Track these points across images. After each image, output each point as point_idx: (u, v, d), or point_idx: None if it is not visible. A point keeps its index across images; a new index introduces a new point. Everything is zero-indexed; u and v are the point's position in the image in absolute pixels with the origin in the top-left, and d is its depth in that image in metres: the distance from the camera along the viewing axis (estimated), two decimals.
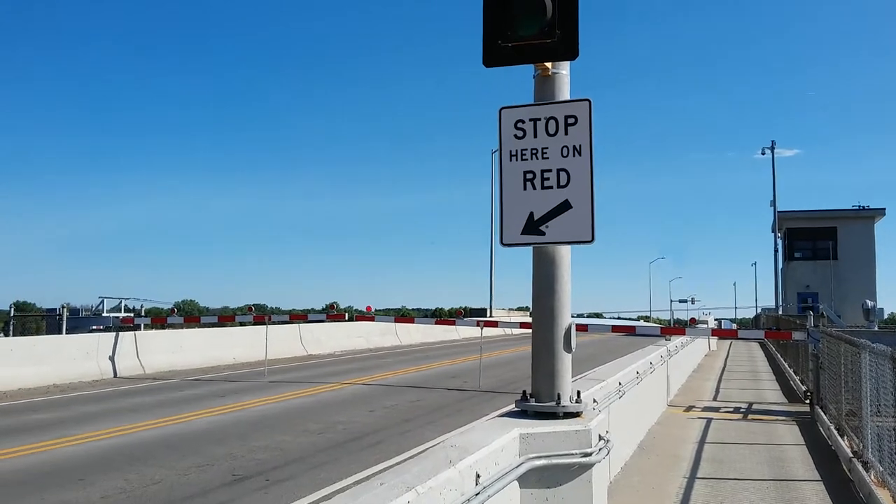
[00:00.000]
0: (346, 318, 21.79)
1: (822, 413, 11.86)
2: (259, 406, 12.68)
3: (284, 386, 15.41)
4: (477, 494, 3.78)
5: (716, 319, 47.98)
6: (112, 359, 18.02)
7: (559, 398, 5.04)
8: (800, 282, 43.01)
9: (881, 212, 43.41)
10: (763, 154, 47.15)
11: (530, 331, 5.43)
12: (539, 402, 5.08)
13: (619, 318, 64.70)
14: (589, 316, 63.10)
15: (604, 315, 70.49)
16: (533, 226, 5.09)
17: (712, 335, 22.25)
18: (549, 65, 5.31)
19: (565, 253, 5.30)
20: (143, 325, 22.29)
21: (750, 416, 13.35)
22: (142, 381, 16.88)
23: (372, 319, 21.91)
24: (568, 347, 5.18)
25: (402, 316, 35.33)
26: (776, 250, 45.88)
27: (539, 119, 5.19)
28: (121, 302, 43.47)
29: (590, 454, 4.80)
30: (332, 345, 25.77)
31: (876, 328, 14.52)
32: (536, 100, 5.43)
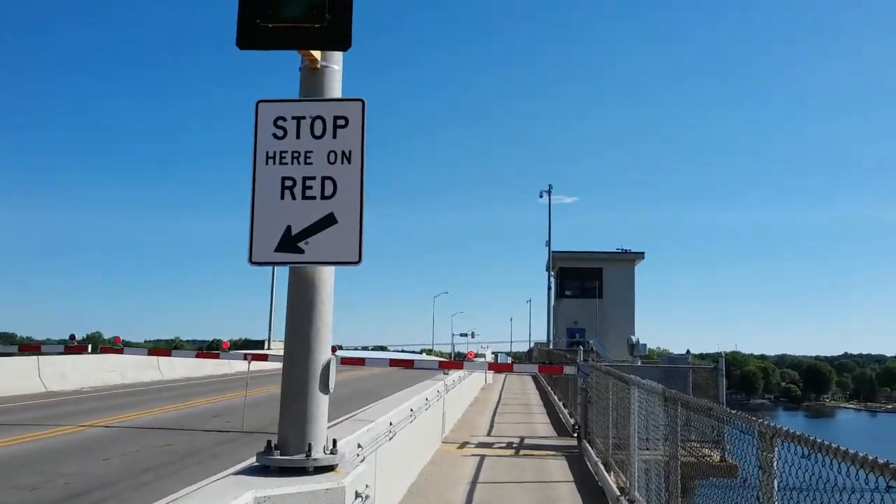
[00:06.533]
0: (89, 350, 18.99)
1: (590, 447, 12.03)
2: None
3: (3, 430, 12.93)
4: None
5: (493, 353, 49.69)
6: None
7: (310, 449, 4.20)
8: (569, 318, 45.78)
9: (640, 255, 47.75)
10: (542, 197, 49.94)
11: None
12: (285, 454, 4.20)
13: (402, 351, 65.49)
14: (374, 349, 63.04)
15: (388, 348, 70.82)
16: (290, 242, 4.28)
17: (489, 369, 22.54)
18: (317, 56, 4.57)
19: (328, 276, 4.52)
20: None
21: (522, 452, 13.31)
22: None
23: (120, 352, 19.19)
24: (325, 388, 4.37)
25: (169, 347, 32.33)
26: (549, 288, 48.65)
27: (304, 118, 4.44)
28: None
29: None
30: (77, 379, 22.62)
31: (639, 363, 15.30)
32: (302, 96, 4.67)
